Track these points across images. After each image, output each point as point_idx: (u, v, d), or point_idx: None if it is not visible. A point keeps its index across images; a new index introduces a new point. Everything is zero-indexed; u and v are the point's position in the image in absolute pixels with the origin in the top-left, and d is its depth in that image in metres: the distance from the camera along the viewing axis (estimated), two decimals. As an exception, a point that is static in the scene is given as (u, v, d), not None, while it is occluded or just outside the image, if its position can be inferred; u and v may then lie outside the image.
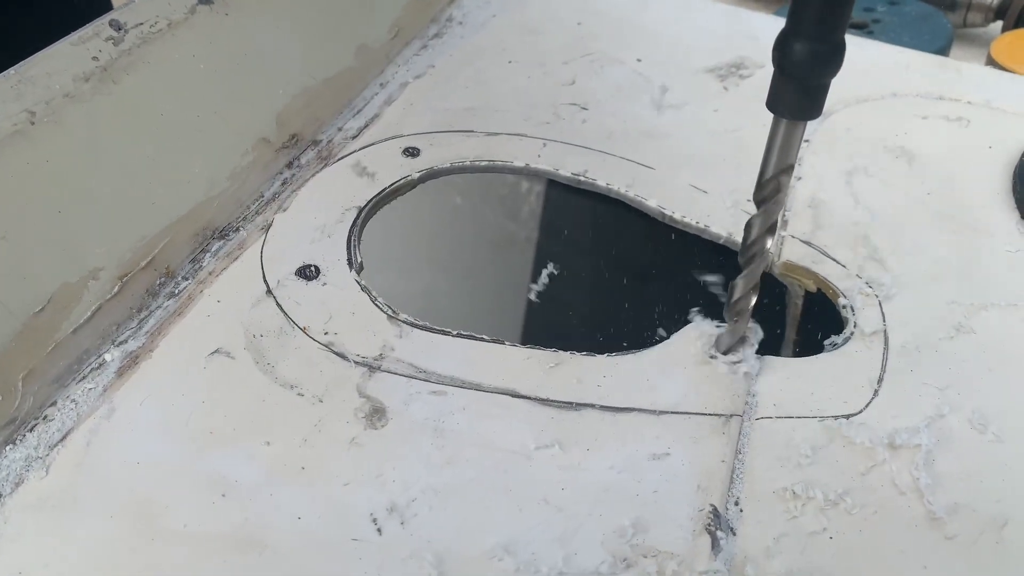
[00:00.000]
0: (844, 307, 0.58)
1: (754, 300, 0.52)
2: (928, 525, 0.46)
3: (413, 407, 0.50)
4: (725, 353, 0.54)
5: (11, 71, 0.52)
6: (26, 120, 0.52)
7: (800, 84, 0.43)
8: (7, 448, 0.48)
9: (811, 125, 0.68)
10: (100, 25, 0.57)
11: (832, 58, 0.41)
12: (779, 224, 0.51)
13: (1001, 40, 1.31)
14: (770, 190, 0.47)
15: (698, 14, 0.88)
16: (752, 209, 0.48)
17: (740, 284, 0.51)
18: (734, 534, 0.45)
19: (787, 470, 0.48)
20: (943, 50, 1.24)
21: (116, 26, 0.57)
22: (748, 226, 0.49)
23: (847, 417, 0.51)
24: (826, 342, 0.57)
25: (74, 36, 0.56)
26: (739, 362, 0.53)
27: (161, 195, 0.59)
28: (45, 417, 0.50)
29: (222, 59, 0.64)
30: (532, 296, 0.83)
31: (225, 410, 0.50)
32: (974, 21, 1.45)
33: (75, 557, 0.43)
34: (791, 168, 0.47)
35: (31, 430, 0.49)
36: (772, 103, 0.44)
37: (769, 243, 0.50)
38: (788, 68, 0.42)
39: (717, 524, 0.45)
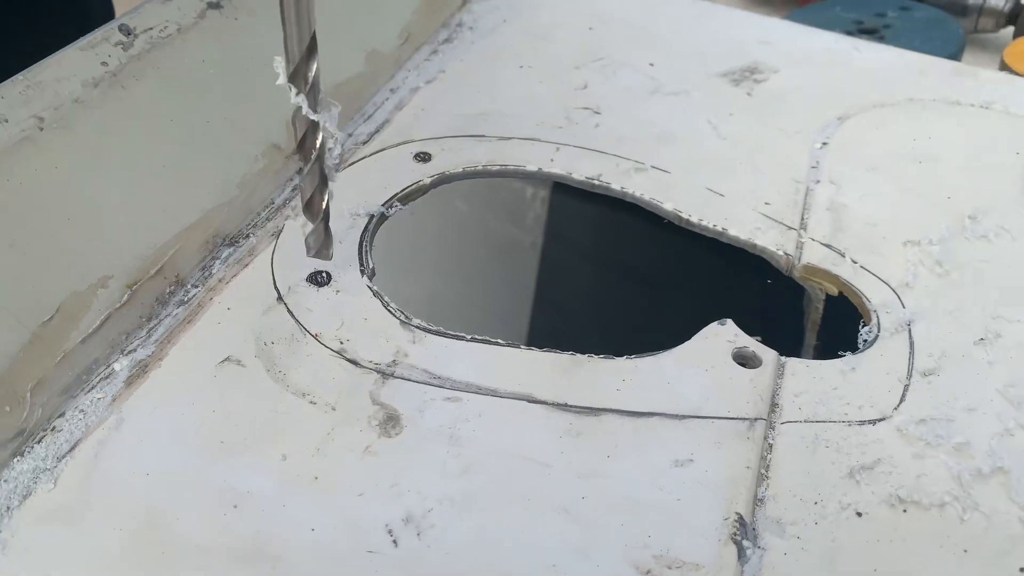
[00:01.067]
0: (868, 311, 0.57)
1: (326, 198, 0.53)
2: (959, 531, 0.44)
3: (428, 414, 0.49)
4: (316, 256, 0.55)
5: (19, 76, 0.51)
6: (34, 126, 0.51)
7: None
8: (15, 460, 0.47)
9: (829, 129, 0.66)
10: (109, 30, 0.56)
11: None
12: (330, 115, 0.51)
13: (1015, 46, 1.30)
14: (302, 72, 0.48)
15: (710, 19, 0.88)
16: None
17: (305, 185, 0.52)
18: (761, 545, 0.44)
19: (814, 476, 0.47)
20: (955, 55, 1.23)
21: (126, 31, 0.57)
22: (294, 121, 0.50)
23: (873, 422, 0.49)
24: (851, 346, 0.55)
25: (83, 41, 0.55)
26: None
27: (171, 202, 0.58)
28: (53, 428, 0.49)
29: (232, 64, 0.63)
30: (545, 302, 0.82)
31: (236, 419, 0.49)
32: (985, 26, 1.44)
33: (83, 569, 0.42)
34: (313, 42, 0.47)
35: (39, 441, 0.48)
36: None
37: (319, 139, 0.50)
38: None
39: (743, 533, 0.44)
